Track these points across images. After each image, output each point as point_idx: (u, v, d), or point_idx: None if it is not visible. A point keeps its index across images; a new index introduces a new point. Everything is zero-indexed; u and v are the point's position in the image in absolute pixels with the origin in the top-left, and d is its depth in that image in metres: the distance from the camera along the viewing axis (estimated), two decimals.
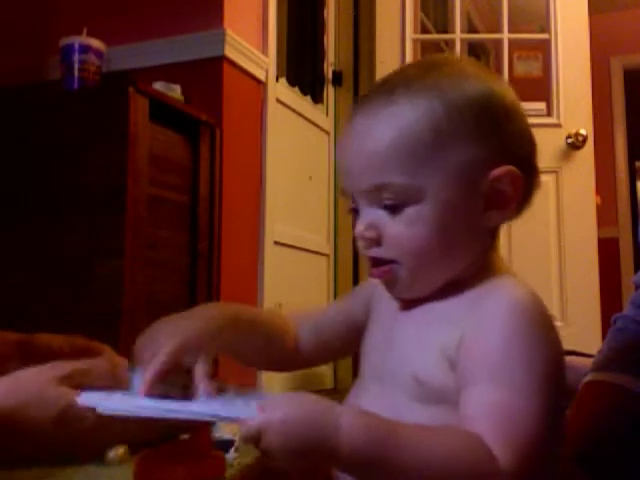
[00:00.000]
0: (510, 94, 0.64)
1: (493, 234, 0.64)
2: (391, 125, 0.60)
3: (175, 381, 0.62)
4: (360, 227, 0.62)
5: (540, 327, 0.58)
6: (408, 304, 0.65)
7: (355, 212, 0.64)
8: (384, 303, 0.69)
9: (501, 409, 0.54)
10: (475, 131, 0.60)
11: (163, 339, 0.61)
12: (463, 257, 0.62)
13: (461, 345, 0.58)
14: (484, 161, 0.60)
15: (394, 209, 0.60)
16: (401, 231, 0.60)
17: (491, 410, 0.54)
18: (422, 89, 0.61)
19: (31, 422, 0.54)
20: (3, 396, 0.55)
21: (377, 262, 0.63)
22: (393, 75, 0.65)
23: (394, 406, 0.61)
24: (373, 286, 0.69)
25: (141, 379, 0.60)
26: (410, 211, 0.60)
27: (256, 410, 0.52)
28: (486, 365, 0.56)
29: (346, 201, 0.66)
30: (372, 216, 0.62)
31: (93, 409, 0.56)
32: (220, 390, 0.60)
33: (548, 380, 0.55)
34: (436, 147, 0.59)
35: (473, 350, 0.57)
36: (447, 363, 0.58)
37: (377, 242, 0.62)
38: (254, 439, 0.51)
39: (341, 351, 0.77)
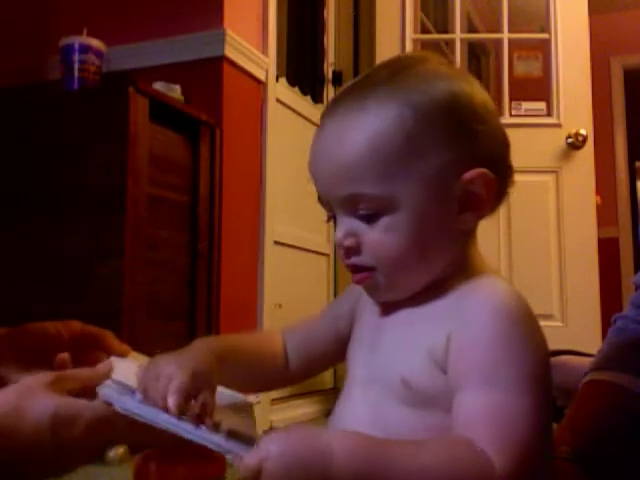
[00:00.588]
0: (480, 94, 0.63)
1: (470, 233, 0.64)
2: (362, 134, 0.60)
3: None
4: (339, 235, 0.62)
5: (525, 327, 0.58)
6: (392, 307, 0.65)
7: (334, 218, 0.64)
8: (369, 307, 0.69)
9: (493, 412, 0.54)
10: (445, 135, 0.60)
11: (168, 372, 0.60)
12: (440, 259, 0.62)
13: (449, 348, 0.58)
14: (456, 165, 0.60)
15: (369, 218, 0.60)
16: (377, 239, 0.60)
17: (483, 414, 0.54)
18: (391, 94, 0.60)
19: (29, 427, 0.54)
20: None
21: (356, 269, 0.63)
22: (363, 78, 0.65)
23: (380, 410, 0.61)
24: (359, 290, 0.68)
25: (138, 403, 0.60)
26: (385, 220, 0.60)
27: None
28: (475, 368, 0.56)
29: (323, 207, 0.66)
30: (350, 224, 0.62)
31: (107, 406, 0.56)
32: (215, 425, 0.61)
33: (537, 380, 0.56)
34: (407, 155, 0.59)
35: (462, 354, 0.57)
36: (435, 365, 0.58)
37: (356, 250, 0.62)
38: (254, 475, 0.51)
39: (330, 362, 0.78)
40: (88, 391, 0.59)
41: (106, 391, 0.59)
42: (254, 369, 0.72)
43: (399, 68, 0.64)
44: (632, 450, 0.80)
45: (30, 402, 0.55)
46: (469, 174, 0.60)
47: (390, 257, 0.61)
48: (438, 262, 0.62)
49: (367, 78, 0.64)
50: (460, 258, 0.63)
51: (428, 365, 0.59)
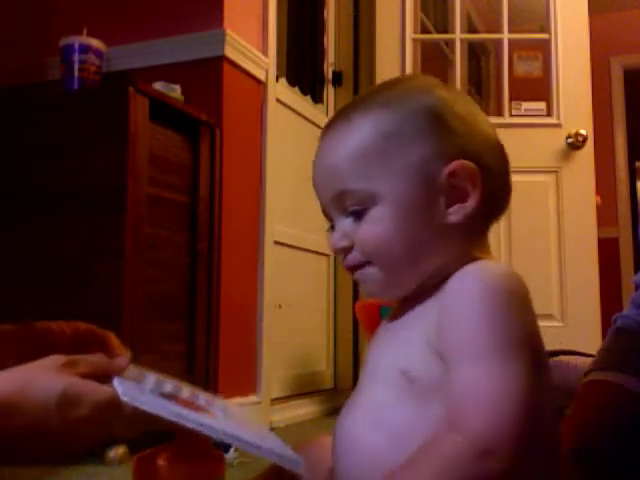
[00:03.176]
0: (464, 101, 0.67)
1: (473, 234, 0.65)
2: (345, 139, 0.65)
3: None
4: (334, 240, 0.66)
5: (508, 295, 0.57)
6: (398, 312, 0.68)
7: (332, 230, 0.68)
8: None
9: (477, 384, 0.53)
10: (422, 132, 0.63)
11: None
12: (435, 254, 0.63)
13: (437, 329, 0.59)
14: (436, 159, 0.62)
15: (358, 215, 0.64)
16: (365, 232, 0.64)
17: (467, 388, 0.54)
18: (372, 105, 0.66)
19: (36, 405, 0.54)
20: (5, 380, 0.55)
21: (354, 268, 0.66)
22: (353, 99, 0.71)
23: (380, 404, 0.62)
24: None
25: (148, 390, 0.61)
26: (371, 213, 0.63)
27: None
28: (457, 342, 0.56)
29: (326, 219, 0.70)
30: (343, 227, 0.66)
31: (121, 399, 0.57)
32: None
33: (521, 346, 0.55)
34: (385, 152, 0.63)
35: (445, 331, 0.58)
36: (432, 351, 0.59)
37: (350, 249, 0.65)
38: None
39: None
40: (99, 377, 0.60)
41: (119, 381, 0.59)
42: None
43: (383, 86, 0.70)
44: (632, 449, 0.80)
45: (39, 381, 0.56)
46: (450, 166, 0.62)
47: (377, 247, 0.63)
48: (431, 257, 0.63)
49: (355, 98, 0.71)
50: (459, 256, 0.63)
51: (429, 356, 0.59)
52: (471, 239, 0.65)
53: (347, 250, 0.65)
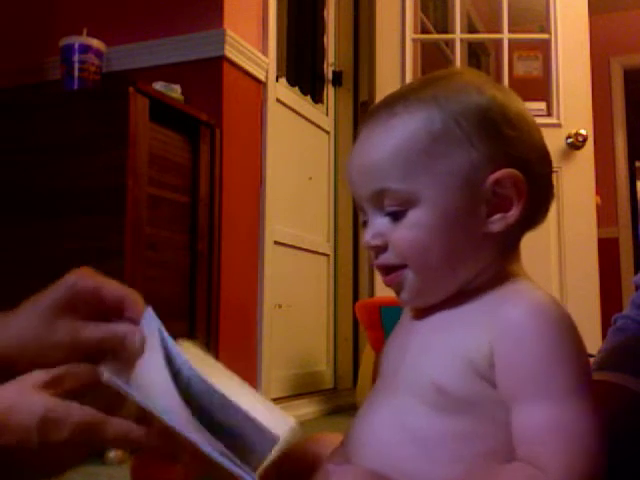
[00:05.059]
0: (515, 104, 0.64)
1: (508, 243, 0.64)
2: (390, 135, 0.62)
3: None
4: (367, 237, 0.64)
5: (569, 332, 0.57)
6: (423, 312, 0.65)
7: (366, 224, 0.66)
8: (402, 318, 0.69)
9: (554, 426, 0.54)
10: (472, 136, 0.60)
11: None
12: (471, 263, 0.62)
13: (494, 359, 0.57)
14: (482, 165, 0.60)
15: (396, 215, 0.62)
16: (403, 236, 0.61)
17: (545, 429, 0.54)
18: (420, 101, 0.62)
19: (17, 427, 0.54)
20: None
21: (386, 269, 0.64)
22: (396, 91, 0.67)
23: (407, 415, 0.60)
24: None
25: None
26: (411, 216, 0.61)
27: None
28: (528, 381, 0.56)
29: (360, 214, 0.68)
30: (378, 225, 0.63)
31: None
32: None
33: (587, 383, 0.56)
34: (432, 153, 0.61)
35: (511, 366, 0.57)
36: (473, 372, 0.58)
37: (384, 249, 0.63)
38: None
39: None
40: (85, 391, 0.59)
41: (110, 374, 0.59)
42: None
43: (433, 79, 0.66)
44: (632, 449, 0.80)
45: (21, 402, 0.55)
46: (496, 174, 0.60)
47: (415, 252, 0.61)
48: (468, 265, 0.62)
49: (400, 89, 0.67)
50: (495, 266, 0.62)
51: (465, 371, 0.58)
52: (507, 248, 0.64)
53: (379, 249, 0.63)
